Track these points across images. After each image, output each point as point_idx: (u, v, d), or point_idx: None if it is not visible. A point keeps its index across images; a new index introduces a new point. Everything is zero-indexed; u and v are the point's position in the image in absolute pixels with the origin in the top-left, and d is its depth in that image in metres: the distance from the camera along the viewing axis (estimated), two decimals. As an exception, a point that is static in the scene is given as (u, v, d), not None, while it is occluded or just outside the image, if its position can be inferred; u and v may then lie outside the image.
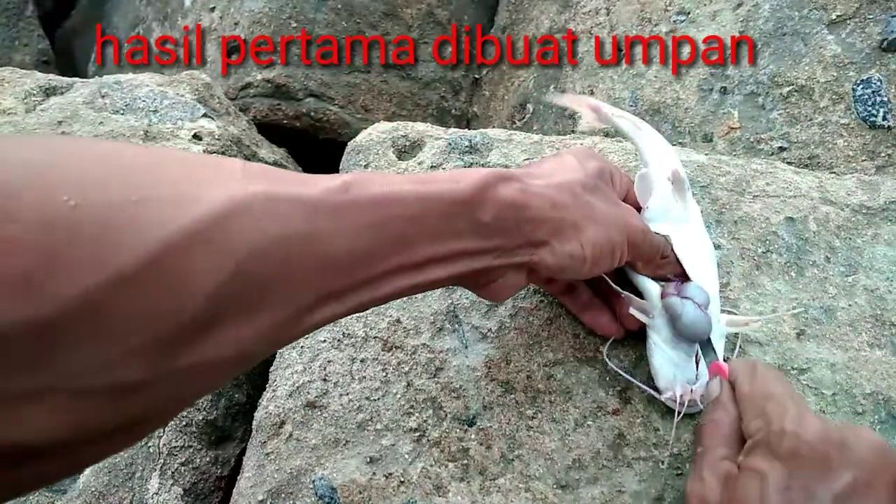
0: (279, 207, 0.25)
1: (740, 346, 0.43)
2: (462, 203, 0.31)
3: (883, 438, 0.31)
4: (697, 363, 0.40)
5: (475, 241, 0.32)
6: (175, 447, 0.48)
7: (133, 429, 0.25)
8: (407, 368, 0.45)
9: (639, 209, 0.43)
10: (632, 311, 0.40)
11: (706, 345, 0.39)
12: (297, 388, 0.45)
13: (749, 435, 0.33)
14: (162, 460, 0.47)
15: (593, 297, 0.43)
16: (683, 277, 0.41)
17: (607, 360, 0.42)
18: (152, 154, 0.25)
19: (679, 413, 0.39)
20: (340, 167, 0.55)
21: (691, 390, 0.39)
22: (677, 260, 0.41)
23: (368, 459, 0.42)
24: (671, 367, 0.40)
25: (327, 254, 0.27)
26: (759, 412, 0.33)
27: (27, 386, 0.20)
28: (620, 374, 0.42)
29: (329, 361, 0.45)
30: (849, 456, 0.30)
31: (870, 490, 0.29)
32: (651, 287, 0.41)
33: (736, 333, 0.43)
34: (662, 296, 0.39)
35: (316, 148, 0.86)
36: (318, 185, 0.27)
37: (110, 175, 0.22)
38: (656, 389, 0.40)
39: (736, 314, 0.44)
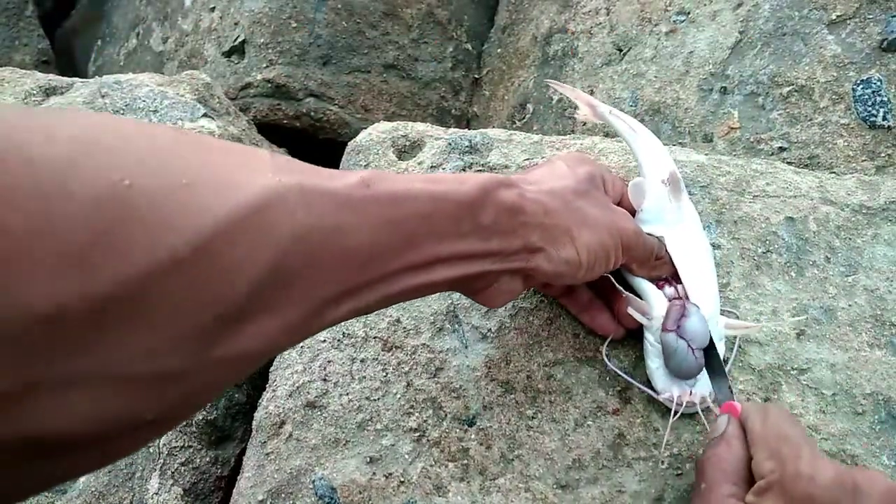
0: (311, 199, 0.25)
1: (739, 346, 0.43)
2: (467, 205, 0.31)
3: (893, 482, 0.31)
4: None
5: (477, 244, 0.32)
6: (175, 447, 0.48)
7: (166, 419, 0.24)
8: (407, 368, 0.45)
9: (633, 213, 0.43)
10: (630, 311, 0.40)
11: (720, 380, 0.39)
12: (297, 388, 0.45)
13: (761, 475, 0.32)
14: (162, 460, 0.47)
15: (593, 298, 0.43)
16: (678, 278, 0.42)
17: (606, 360, 0.42)
18: (190, 137, 0.25)
19: (675, 413, 0.39)
20: (340, 167, 0.55)
21: (689, 392, 0.39)
22: (672, 261, 0.42)
23: (368, 459, 0.42)
24: (667, 369, 0.40)
25: (349, 247, 0.27)
26: (773, 453, 0.33)
27: (78, 370, 0.20)
28: (620, 375, 0.42)
29: (329, 361, 0.45)
30: (862, 501, 0.30)
31: None
32: (648, 288, 0.41)
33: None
34: (663, 328, 0.39)
35: (316, 148, 0.86)
36: (341, 179, 0.28)
37: (157, 156, 0.22)
38: (655, 390, 0.41)
39: (737, 315, 0.44)
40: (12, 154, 0.18)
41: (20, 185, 0.18)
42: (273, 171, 0.25)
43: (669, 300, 0.41)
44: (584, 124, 0.74)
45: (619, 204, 0.42)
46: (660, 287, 0.41)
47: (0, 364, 0.18)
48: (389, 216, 0.29)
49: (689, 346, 0.38)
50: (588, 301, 0.43)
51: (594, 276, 0.38)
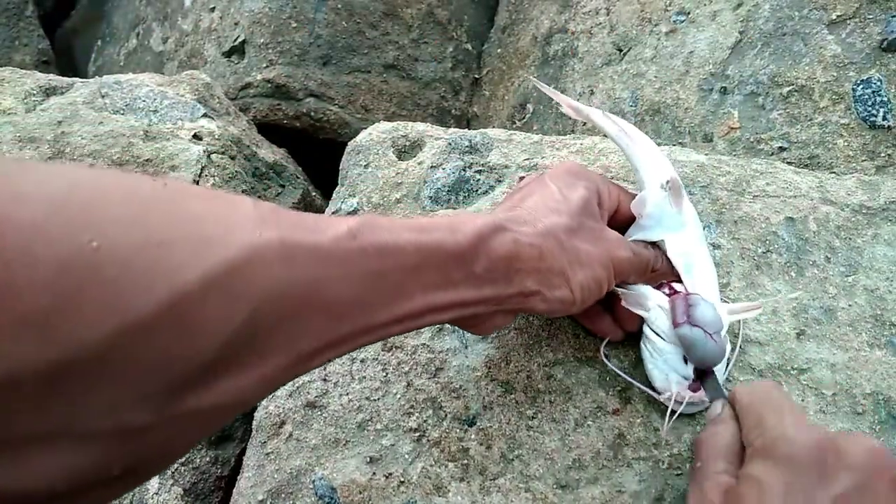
0: (291, 253, 0.25)
1: (740, 346, 0.43)
2: (459, 255, 0.31)
3: (880, 443, 0.31)
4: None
5: (469, 292, 0.32)
6: (175, 447, 0.48)
7: (133, 475, 0.24)
8: (407, 368, 0.45)
9: (632, 220, 0.43)
10: (626, 305, 0.40)
11: (712, 381, 0.39)
12: (297, 387, 0.45)
13: (749, 444, 0.33)
14: (162, 460, 0.47)
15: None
16: (678, 281, 0.42)
17: (606, 360, 0.42)
18: (169, 190, 0.24)
19: (674, 413, 0.39)
20: (340, 167, 0.55)
21: (689, 388, 0.39)
22: (671, 267, 0.42)
23: (368, 459, 0.42)
24: (666, 368, 0.40)
25: (332, 301, 0.27)
26: (758, 421, 0.33)
27: (36, 430, 0.19)
28: (620, 375, 0.42)
29: (329, 361, 0.45)
30: (846, 460, 0.30)
31: (867, 493, 0.29)
32: (644, 289, 0.41)
33: (736, 333, 0.43)
34: (675, 324, 0.39)
35: (316, 148, 0.86)
36: (327, 231, 0.27)
37: (131, 213, 0.22)
38: (655, 390, 0.41)
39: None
40: None
41: None
42: (255, 223, 0.24)
43: (668, 295, 0.41)
44: (584, 124, 0.74)
45: (616, 212, 0.42)
46: (658, 289, 0.42)
47: None
48: (376, 268, 0.28)
49: (705, 332, 0.38)
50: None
51: (588, 305, 0.38)
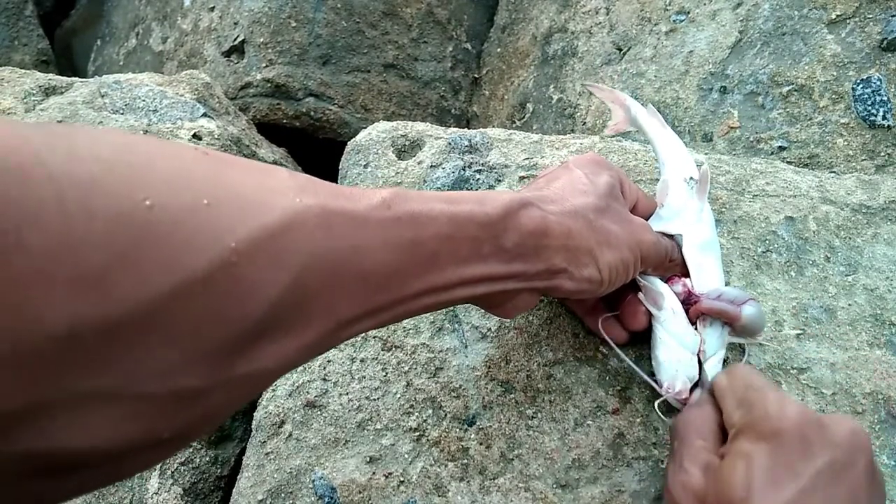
0: (331, 220, 0.25)
1: (741, 346, 0.43)
2: (488, 227, 0.31)
3: (859, 423, 0.32)
4: (700, 363, 0.40)
5: (498, 266, 0.32)
6: (175, 447, 0.48)
7: (179, 439, 0.24)
8: (407, 368, 0.45)
9: (651, 213, 0.43)
10: (643, 299, 0.41)
11: (705, 376, 0.40)
12: (297, 387, 0.45)
13: (732, 425, 0.34)
14: (162, 460, 0.47)
15: (598, 301, 0.43)
16: (687, 273, 0.42)
17: (610, 342, 0.41)
18: (212, 156, 0.25)
19: (663, 407, 0.39)
20: (340, 167, 0.55)
21: (690, 389, 0.39)
22: (683, 260, 0.42)
23: (368, 459, 0.42)
24: (675, 362, 0.40)
25: (369, 269, 0.27)
26: (741, 401, 0.34)
27: (93, 389, 0.19)
28: (624, 360, 0.41)
29: (329, 361, 0.45)
30: (829, 437, 0.31)
31: (847, 471, 0.30)
32: (658, 284, 0.41)
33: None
34: (736, 307, 0.40)
35: (316, 148, 0.86)
36: (362, 201, 0.27)
37: (179, 176, 0.22)
38: (656, 382, 0.40)
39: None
40: (36, 171, 0.18)
41: (43, 203, 0.18)
42: (294, 191, 0.25)
43: (678, 293, 0.41)
44: (584, 123, 0.74)
45: (634, 207, 0.42)
46: (669, 282, 0.42)
47: (13, 383, 0.18)
48: (410, 237, 0.28)
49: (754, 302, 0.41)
50: (594, 304, 0.43)
51: (614, 288, 0.38)
